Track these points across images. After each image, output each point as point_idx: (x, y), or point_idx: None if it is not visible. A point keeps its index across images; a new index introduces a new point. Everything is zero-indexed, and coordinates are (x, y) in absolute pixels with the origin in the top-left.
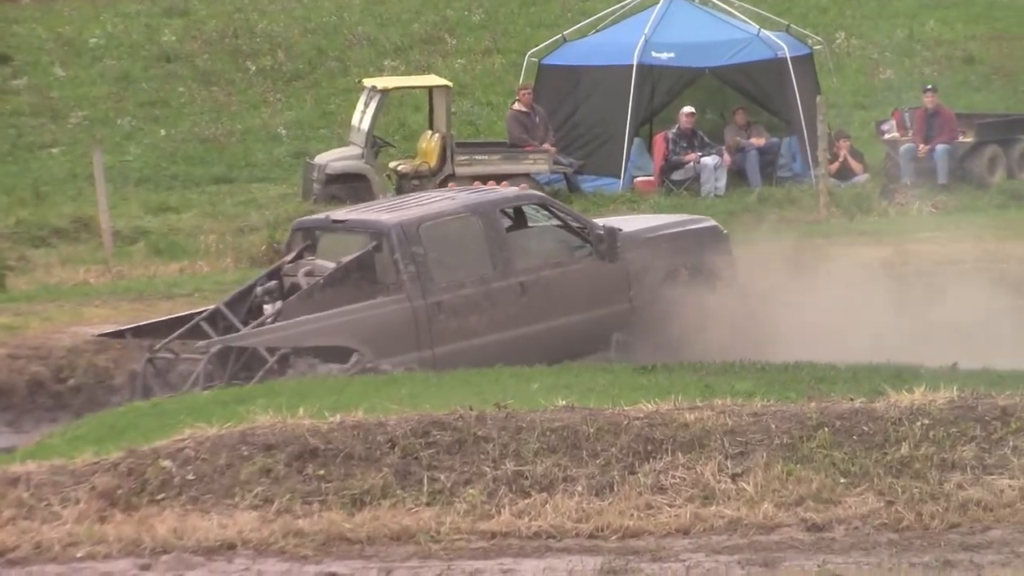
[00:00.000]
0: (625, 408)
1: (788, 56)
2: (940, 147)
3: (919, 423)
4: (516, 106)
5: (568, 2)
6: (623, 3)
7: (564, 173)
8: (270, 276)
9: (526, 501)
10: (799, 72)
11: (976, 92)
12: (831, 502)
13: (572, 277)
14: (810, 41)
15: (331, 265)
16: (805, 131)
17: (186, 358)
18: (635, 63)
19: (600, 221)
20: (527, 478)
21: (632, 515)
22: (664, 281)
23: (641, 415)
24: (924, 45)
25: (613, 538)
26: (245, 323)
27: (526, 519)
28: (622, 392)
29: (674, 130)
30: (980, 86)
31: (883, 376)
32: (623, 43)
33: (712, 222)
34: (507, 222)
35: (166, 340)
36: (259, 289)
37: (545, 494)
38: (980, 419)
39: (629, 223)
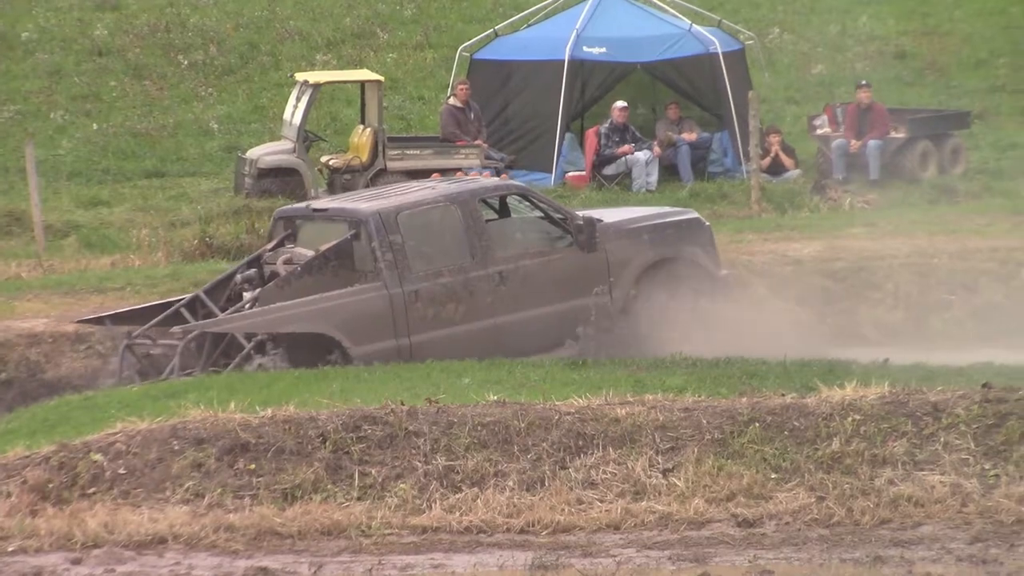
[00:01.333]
0: (556, 403)
1: (720, 51)
2: (872, 143)
3: (850, 419)
4: (451, 101)
5: None
6: None
7: (495, 168)
8: (250, 264)
9: (457, 496)
10: (731, 67)
11: (908, 87)
12: (762, 497)
13: (551, 267)
14: (742, 36)
15: (310, 253)
16: (737, 126)
17: (163, 344)
18: (567, 58)
19: (580, 212)
20: (458, 473)
21: (563, 510)
22: (644, 273)
23: (572, 410)
24: (856, 40)
25: (544, 533)
26: (224, 311)
27: (457, 514)
28: (553, 387)
29: (606, 124)
30: (912, 81)
31: (815, 372)
32: (555, 38)
33: (694, 214)
34: (489, 212)
35: (144, 327)
36: (239, 277)
37: (476, 489)
38: (911, 415)
39: (611, 215)
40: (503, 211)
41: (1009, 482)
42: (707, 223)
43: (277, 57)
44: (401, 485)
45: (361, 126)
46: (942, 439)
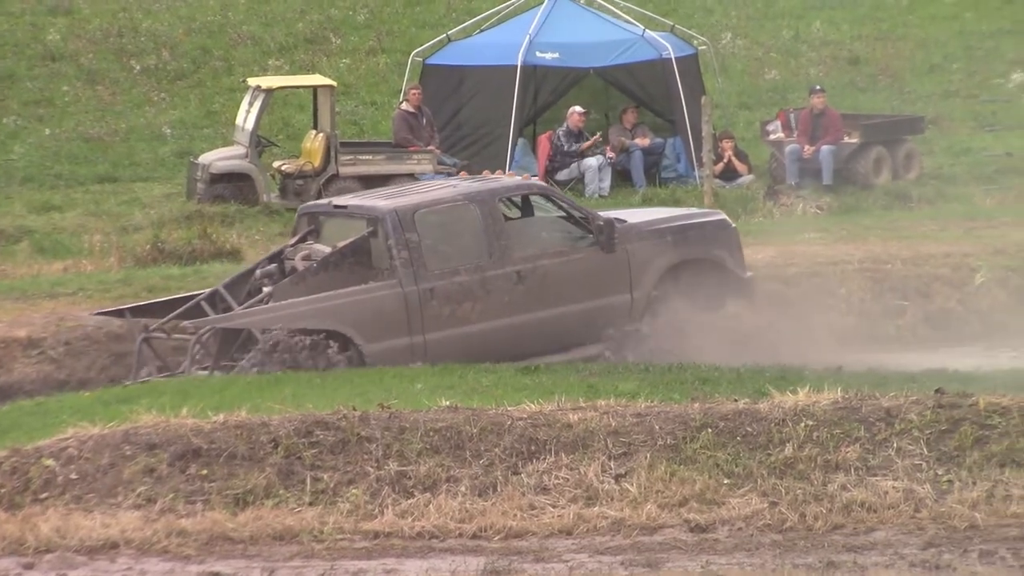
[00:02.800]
0: (509, 408)
1: (673, 56)
2: (825, 148)
3: (803, 424)
4: (404, 106)
5: (453, 2)
6: (508, 3)
7: (448, 173)
8: (271, 259)
9: (409, 501)
10: (684, 73)
11: (862, 93)
12: (715, 503)
13: (571, 267)
14: (695, 42)
15: (328, 249)
16: (690, 132)
17: (177, 338)
18: (519, 63)
19: (604, 213)
20: (410, 478)
21: (515, 515)
22: (667, 273)
23: (525, 415)
24: (810, 46)
25: (496, 538)
26: (243, 305)
27: (409, 519)
28: (506, 392)
29: (562, 129)
30: (866, 87)
31: (767, 377)
32: (507, 43)
33: (720, 215)
34: (513, 211)
35: (162, 320)
36: (259, 272)
37: (428, 494)
38: (864, 420)
39: (636, 215)
40: (526, 210)
41: (962, 488)
42: (733, 225)
43: (230, 62)
44: (353, 490)
45: (313, 131)
46: (895, 444)
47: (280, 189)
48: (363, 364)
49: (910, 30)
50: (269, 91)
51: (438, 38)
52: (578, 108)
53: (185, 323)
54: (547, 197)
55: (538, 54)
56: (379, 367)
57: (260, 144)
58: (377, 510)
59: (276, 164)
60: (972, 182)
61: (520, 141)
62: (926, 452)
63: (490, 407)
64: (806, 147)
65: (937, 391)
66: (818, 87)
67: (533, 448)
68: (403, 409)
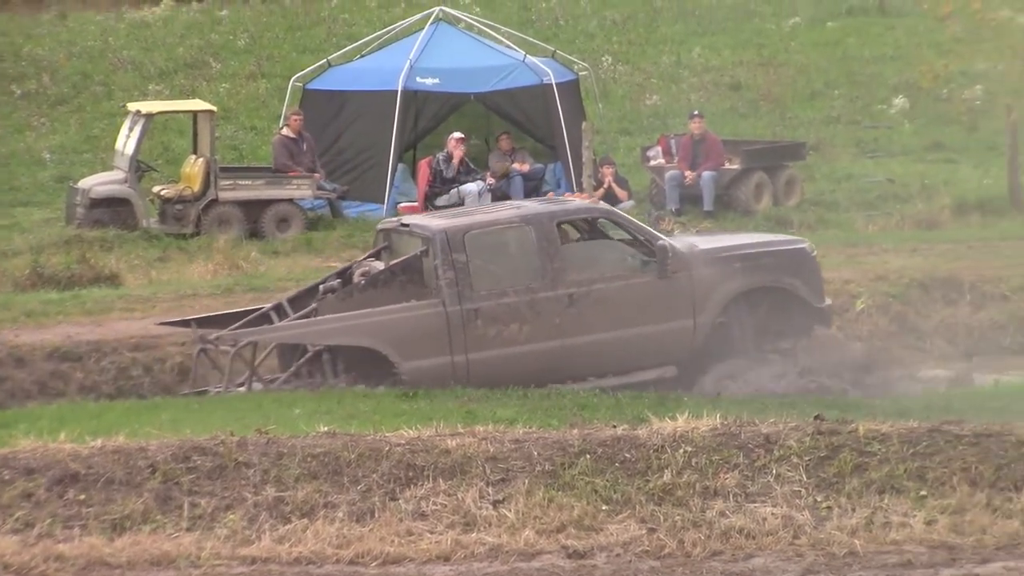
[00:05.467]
0: (386, 434)
1: (554, 82)
2: (706, 174)
3: (682, 450)
4: (284, 131)
5: (333, 27)
6: (388, 28)
7: (328, 199)
8: (339, 274)
9: (287, 527)
10: (564, 98)
11: (743, 119)
12: (593, 529)
13: (627, 291)
14: (576, 67)
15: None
16: (570, 157)
17: (223, 350)
18: (400, 88)
19: (679, 236)
20: (288, 504)
21: (393, 541)
22: (734, 300)
23: (402, 441)
24: (691, 71)
25: (374, 564)
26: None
27: (287, 545)
28: (384, 418)
29: (442, 154)
30: (747, 113)
31: (646, 403)
32: (388, 68)
33: (801, 244)
34: (574, 233)
35: (220, 333)
36: (322, 287)
37: (306, 520)
38: (743, 446)
39: (711, 240)
40: (594, 233)
41: (841, 514)
42: (813, 252)
43: (110, 87)
44: (231, 516)
45: (193, 156)
46: (774, 471)
47: (159, 214)
48: (400, 383)
49: (792, 56)
50: (149, 116)
51: (318, 63)
52: (457, 134)
53: (223, 334)
54: (613, 220)
55: (419, 79)
56: (411, 386)
57: (140, 169)
58: (255, 536)
59: (155, 189)
60: (853, 208)
61: (400, 166)
62: (805, 479)
63: (368, 433)
64: (687, 173)
65: (816, 417)
66: (696, 112)
67: (411, 474)
68: (281, 434)
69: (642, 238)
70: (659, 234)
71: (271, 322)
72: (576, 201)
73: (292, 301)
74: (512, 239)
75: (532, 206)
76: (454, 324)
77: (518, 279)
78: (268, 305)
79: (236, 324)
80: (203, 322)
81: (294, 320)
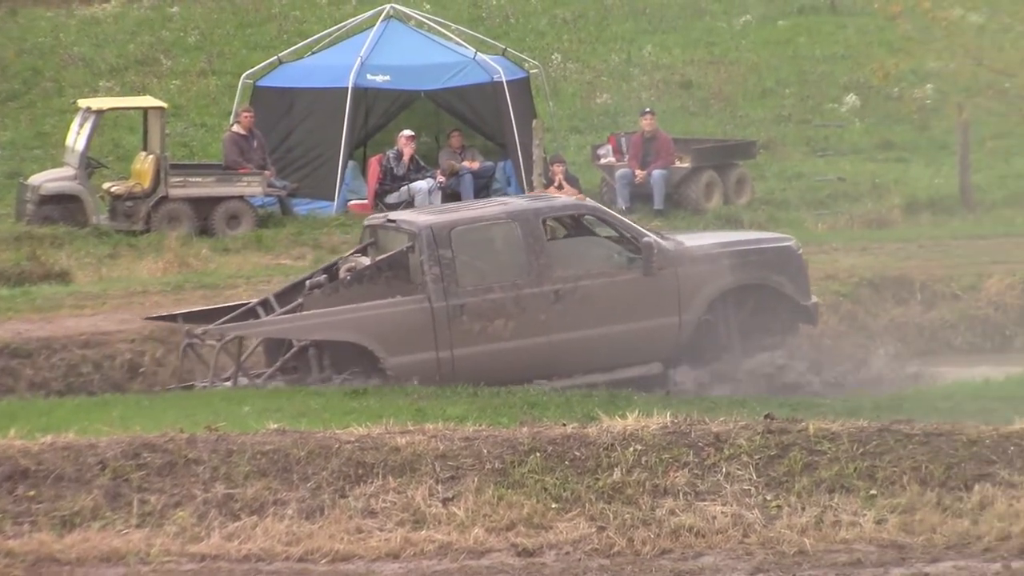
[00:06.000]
0: (336, 431)
1: (504, 80)
2: (656, 172)
3: (632, 449)
4: (235, 128)
5: (284, 24)
6: (339, 25)
7: (278, 196)
8: (325, 270)
9: (236, 524)
10: (515, 96)
11: (693, 117)
12: (542, 527)
13: (614, 288)
14: (527, 65)
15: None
16: (520, 155)
17: (208, 345)
18: (350, 85)
19: (664, 234)
20: (237, 501)
21: (342, 539)
22: (720, 298)
23: (352, 439)
24: (642, 69)
25: (323, 562)
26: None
27: (236, 542)
28: (333, 416)
29: (392, 152)
30: (698, 111)
31: (596, 402)
32: (338, 65)
33: (787, 241)
34: (561, 230)
35: (205, 328)
36: (308, 282)
37: (255, 517)
38: (693, 445)
39: (697, 238)
40: (580, 229)
41: (791, 513)
42: (799, 250)
43: (60, 83)
44: (180, 513)
45: (143, 153)
46: (724, 470)
47: (109, 211)
48: (385, 379)
49: (743, 54)
50: (99, 112)
51: (269, 60)
52: (407, 132)
53: (208, 329)
54: (601, 217)
55: (369, 76)
56: (397, 382)
57: (90, 166)
58: (204, 532)
59: (106, 186)
60: (804, 207)
61: (351, 164)
62: (755, 477)
63: (318, 430)
64: (637, 171)
65: (766, 416)
66: (647, 109)
67: (361, 471)
68: (231, 432)
69: (628, 235)
70: (645, 231)
71: (258, 317)
72: (563, 197)
73: (279, 296)
74: (498, 235)
75: (518, 202)
76: (439, 320)
77: (504, 275)
78: (255, 300)
79: (223, 319)
80: (190, 317)
81: (280, 315)
